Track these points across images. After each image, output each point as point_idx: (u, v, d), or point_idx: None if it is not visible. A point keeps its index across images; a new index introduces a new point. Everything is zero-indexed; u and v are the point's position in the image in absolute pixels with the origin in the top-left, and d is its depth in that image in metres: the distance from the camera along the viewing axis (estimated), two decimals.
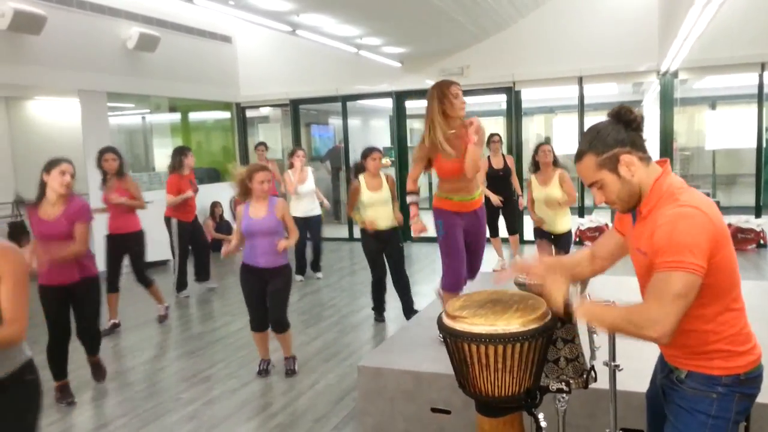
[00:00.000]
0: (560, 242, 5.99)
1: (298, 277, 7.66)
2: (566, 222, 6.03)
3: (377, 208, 5.59)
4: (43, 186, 4.08)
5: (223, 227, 10.06)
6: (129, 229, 5.82)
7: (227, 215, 10.20)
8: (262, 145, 8.66)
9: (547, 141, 5.98)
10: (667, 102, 8.98)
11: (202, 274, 7.41)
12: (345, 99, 10.82)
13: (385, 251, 5.69)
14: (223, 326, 6.02)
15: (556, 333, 2.21)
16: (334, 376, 4.58)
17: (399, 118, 10.65)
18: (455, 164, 3.78)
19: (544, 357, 2.09)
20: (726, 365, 1.82)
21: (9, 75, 7.18)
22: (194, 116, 11.65)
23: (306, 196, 7.47)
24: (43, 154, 8.63)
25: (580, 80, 9.29)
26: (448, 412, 3.36)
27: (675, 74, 8.77)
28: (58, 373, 4.29)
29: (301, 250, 7.69)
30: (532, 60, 9.36)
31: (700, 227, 1.69)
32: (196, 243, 7.20)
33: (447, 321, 2.05)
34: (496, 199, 7.27)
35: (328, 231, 11.15)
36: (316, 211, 7.62)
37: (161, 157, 10.07)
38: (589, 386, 2.32)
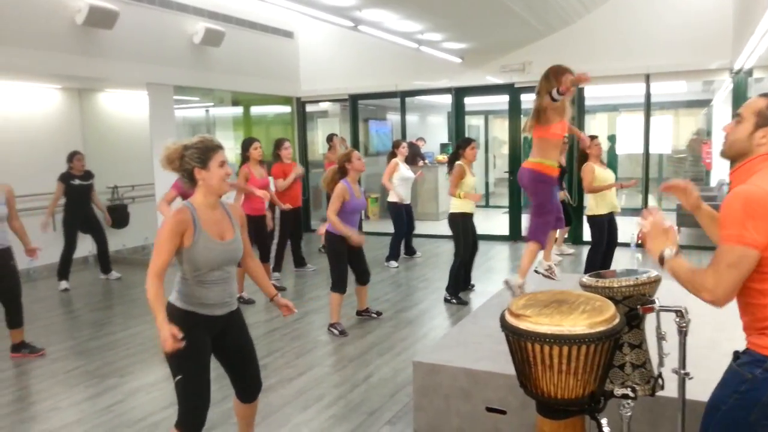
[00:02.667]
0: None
1: (393, 264, 8.29)
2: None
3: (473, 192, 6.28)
4: None
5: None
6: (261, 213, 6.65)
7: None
8: (337, 137, 9.16)
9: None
10: (739, 101, 8.58)
11: (299, 261, 8.07)
12: (404, 95, 10.83)
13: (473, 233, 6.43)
14: (278, 317, 6.12)
15: (623, 337, 2.16)
16: (389, 370, 4.60)
17: (458, 114, 10.57)
18: (564, 125, 4.51)
19: (610, 361, 2.04)
20: None
21: (83, 68, 7.49)
22: (256, 110, 11.88)
23: (405, 185, 8.21)
24: (112, 145, 9.05)
25: (647, 78, 9.00)
26: (503, 412, 3.32)
27: (749, 72, 8.38)
28: None
29: (400, 237, 8.38)
30: (597, 56, 9.12)
31: (759, 203, 1.75)
32: (296, 230, 7.82)
33: (510, 319, 2.03)
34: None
35: (384, 226, 11.21)
36: (409, 199, 8.40)
37: (230, 150, 10.32)
38: (656, 394, 2.25)
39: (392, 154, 8.34)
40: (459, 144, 6.39)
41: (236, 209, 2.91)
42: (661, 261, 1.97)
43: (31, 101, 8.18)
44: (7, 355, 5.02)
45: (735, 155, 1.98)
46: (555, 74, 4.31)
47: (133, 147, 8.99)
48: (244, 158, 6.67)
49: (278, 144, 7.44)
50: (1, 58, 6.64)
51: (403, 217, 8.28)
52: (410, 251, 8.85)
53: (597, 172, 6.27)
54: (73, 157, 7.37)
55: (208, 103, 10.66)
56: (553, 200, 4.68)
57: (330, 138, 9.32)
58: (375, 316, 5.87)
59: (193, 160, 2.64)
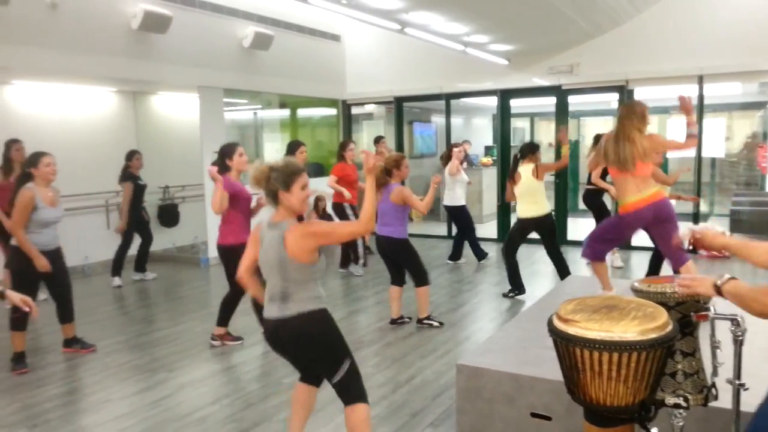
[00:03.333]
0: None
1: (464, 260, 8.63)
2: None
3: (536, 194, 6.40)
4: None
5: (327, 220, 10.33)
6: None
7: (329, 209, 10.46)
8: (384, 140, 9.29)
9: None
10: None
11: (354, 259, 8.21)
12: (449, 97, 10.79)
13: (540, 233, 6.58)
14: None
15: (675, 345, 2.11)
16: (431, 372, 4.59)
17: (503, 116, 10.48)
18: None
19: (662, 369, 1.99)
20: None
21: (138, 71, 7.73)
22: (302, 112, 12.03)
23: (460, 187, 8.29)
24: (164, 145, 9.30)
25: (701, 79, 8.73)
26: (548, 418, 3.28)
27: None
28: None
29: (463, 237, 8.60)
30: (648, 57, 8.91)
31: None
32: None
33: (558, 323, 2.00)
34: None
35: (429, 228, 11.21)
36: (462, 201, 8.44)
37: (271, 151, 10.48)
38: (709, 404, 2.19)
39: (448, 156, 8.37)
40: (525, 148, 6.61)
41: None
42: (718, 291, 1.93)
43: (88, 104, 8.48)
44: (60, 348, 5.20)
45: None
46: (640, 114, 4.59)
47: (184, 148, 9.22)
48: None
49: (343, 145, 7.95)
50: (63, 63, 6.91)
51: (461, 218, 8.47)
52: (481, 255, 8.75)
53: None
54: (132, 156, 7.52)
55: (256, 106, 10.84)
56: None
57: (377, 140, 9.37)
58: (408, 320, 5.85)
59: (277, 182, 2.79)
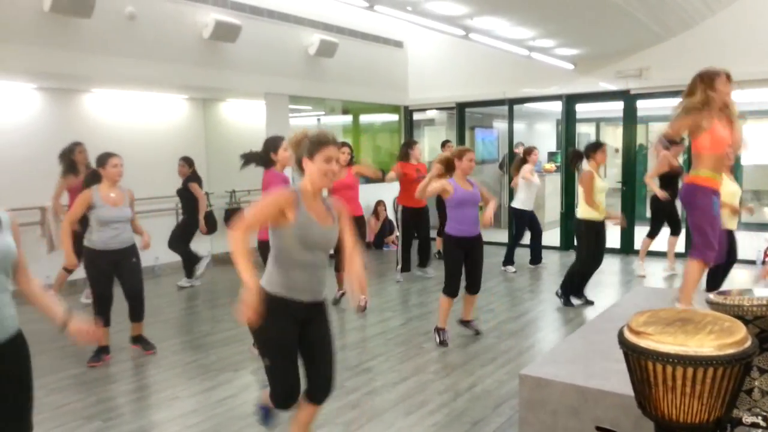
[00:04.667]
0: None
1: (510, 269, 8.51)
2: None
3: (604, 196, 6.26)
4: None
5: (386, 226, 10.39)
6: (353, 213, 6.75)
7: (390, 214, 10.52)
8: (450, 143, 9.45)
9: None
10: None
11: (424, 261, 8.21)
12: (512, 102, 10.67)
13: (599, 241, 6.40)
14: (382, 321, 6.22)
15: (753, 360, 2.02)
16: (492, 381, 4.54)
17: (568, 122, 10.27)
18: (729, 135, 4.04)
19: (739, 386, 1.91)
20: None
21: (209, 79, 8.00)
22: (364, 118, 12.15)
23: (531, 192, 8.30)
24: (231, 151, 9.53)
25: None
26: None
27: None
28: None
29: (516, 241, 8.63)
30: (722, 60, 8.32)
31: None
32: (420, 230, 7.94)
33: (630, 336, 1.95)
34: (663, 194, 7.40)
35: (489, 235, 11.07)
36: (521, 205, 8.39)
37: None
38: None
39: (523, 160, 8.32)
40: (588, 147, 6.47)
41: (337, 204, 2.99)
42: None
43: (161, 110, 8.84)
44: (130, 347, 5.39)
45: None
46: (705, 79, 4.09)
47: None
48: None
49: (409, 144, 8.10)
50: (139, 72, 7.24)
51: (524, 223, 8.45)
52: (536, 260, 8.79)
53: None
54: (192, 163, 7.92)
55: (320, 112, 11.04)
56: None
57: (444, 144, 9.39)
58: (474, 333, 5.63)
59: (305, 149, 2.76)
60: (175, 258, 8.05)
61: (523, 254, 8.80)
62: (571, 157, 6.88)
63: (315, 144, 2.74)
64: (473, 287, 5.42)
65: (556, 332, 5.77)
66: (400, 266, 8.02)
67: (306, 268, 2.80)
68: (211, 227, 8.56)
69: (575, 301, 6.61)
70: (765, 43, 8.25)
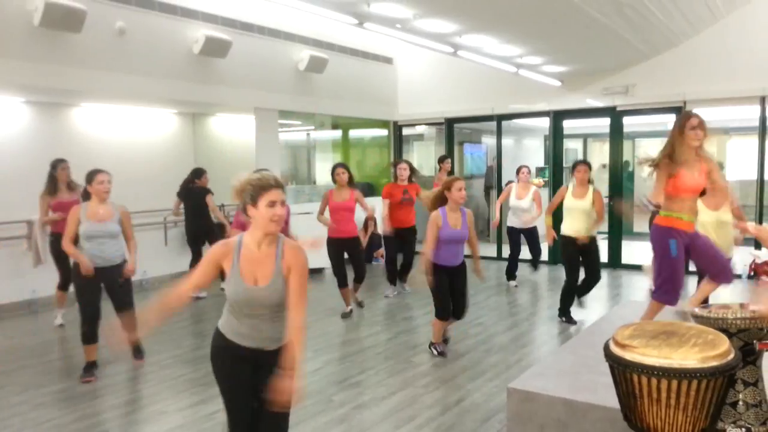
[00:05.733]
0: None
1: (512, 283, 8.54)
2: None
3: (575, 214, 6.26)
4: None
5: (375, 240, 10.39)
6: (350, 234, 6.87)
7: (380, 229, 10.53)
8: (448, 160, 9.16)
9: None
10: None
11: (404, 277, 8.12)
12: (500, 118, 10.77)
13: (583, 255, 6.38)
14: (371, 336, 6.22)
15: (737, 373, 2.05)
16: (480, 395, 4.55)
17: (555, 137, 10.38)
18: (697, 182, 4.14)
19: (723, 398, 1.94)
20: None
21: (199, 94, 8.03)
22: (354, 133, 12.20)
23: (520, 209, 8.29)
24: (220, 165, 9.58)
25: (763, 100, 8.47)
26: None
27: None
28: None
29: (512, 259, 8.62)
30: (706, 78, 8.70)
31: None
32: (405, 249, 7.92)
33: (615, 349, 1.98)
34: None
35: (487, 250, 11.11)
36: (532, 223, 8.38)
37: (322, 171, 10.65)
38: None
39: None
40: (573, 166, 6.57)
41: (294, 254, 2.73)
42: None
43: (150, 125, 8.85)
44: (124, 359, 5.32)
45: None
46: (678, 121, 4.18)
47: (240, 167, 9.36)
48: (333, 180, 6.92)
49: (394, 163, 8.09)
50: (129, 86, 7.25)
51: (515, 240, 8.50)
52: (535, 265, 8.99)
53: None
54: (202, 174, 8.06)
55: (309, 127, 11.07)
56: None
57: (442, 159, 9.20)
58: (440, 350, 5.51)
59: (247, 196, 2.68)
60: (164, 272, 8.02)
61: (521, 268, 8.85)
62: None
63: (257, 189, 2.66)
64: (458, 313, 5.44)
65: (545, 346, 5.80)
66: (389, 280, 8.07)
67: (247, 318, 2.76)
68: (201, 242, 8.54)
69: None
70: (745, 61, 8.42)
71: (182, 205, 8.09)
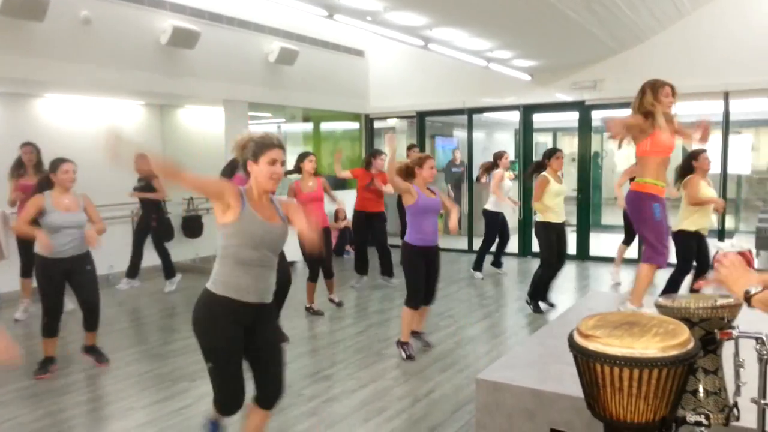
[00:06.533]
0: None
1: (479, 275, 8.59)
2: None
3: (561, 200, 6.44)
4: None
5: (346, 233, 10.39)
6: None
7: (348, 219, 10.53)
8: (416, 148, 9.34)
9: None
10: None
11: (387, 270, 8.05)
12: (471, 111, 10.83)
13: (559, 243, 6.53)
14: (342, 329, 6.21)
15: (697, 362, 2.10)
16: (450, 386, 4.58)
17: (525, 131, 10.48)
18: (671, 141, 4.27)
19: (683, 386, 1.98)
20: None
21: (166, 85, 7.89)
22: (325, 126, 12.15)
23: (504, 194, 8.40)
24: (189, 158, 9.44)
25: (726, 95, 8.66)
26: None
27: None
28: None
29: (488, 246, 8.63)
30: (673, 73, 8.71)
31: None
32: (376, 236, 7.82)
33: (579, 339, 2.01)
34: (622, 203, 7.42)
35: (449, 242, 11.19)
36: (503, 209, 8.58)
37: (293, 164, 10.56)
38: (730, 424, 2.17)
39: (494, 165, 8.41)
40: (545, 154, 6.62)
41: (288, 204, 2.98)
42: (748, 299, 1.83)
43: (116, 116, 8.66)
44: (82, 356, 5.21)
45: None
46: (652, 88, 4.25)
47: (209, 160, 9.30)
48: (298, 170, 6.64)
49: (374, 153, 7.93)
50: (94, 77, 7.08)
51: (496, 226, 8.51)
52: (498, 264, 8.93)
53: (703, 190, 6.03)
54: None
55: (280, 119, 10.98)
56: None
57: (409, 148, 9.28)
58: (423, 345, 5.47)
59: (249, 151, 2.75)
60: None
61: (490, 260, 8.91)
62: (531, 170, 6.92)
63: (259, 146, 2.73)
64: (429, 297, 5.30)
65: (514, 337, 5.86)
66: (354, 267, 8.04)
67: (252, 268, 2.76)
68: (168, 235, 8.42)
69: (544, 306, 6.71)
70: (709, 57, 8.59)
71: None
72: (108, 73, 7.18)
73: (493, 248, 8.76)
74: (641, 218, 4.38)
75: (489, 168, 8.51)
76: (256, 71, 9.10)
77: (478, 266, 8.58)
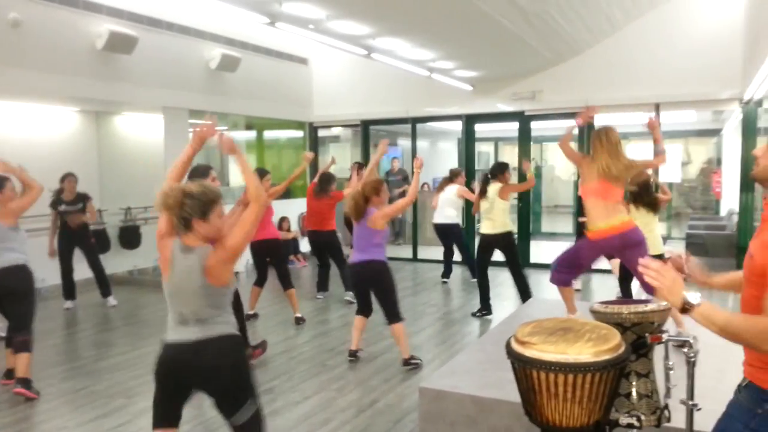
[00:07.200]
0: None
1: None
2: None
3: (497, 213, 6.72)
4: None
5: (290, 243, 10.29)
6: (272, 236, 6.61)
7: (294, 230, 10.44)
8: (358, 164, 8.91)
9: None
10: (749, 131, 8.59)
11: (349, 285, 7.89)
12: (415, 121, 10.92)
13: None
14: (286, 339, 6.13)
15: (629, 366, 2.16)
16: (394, 395, 4.58)
17: (468, 140, 10.65)
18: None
19: (615, 390, 2.04)
20: None
21: (102, 91, 7.65)
22: (269, 134, 12.02)
23: (442, 205, 8.49)
24: (126, 166, 9.18)
25: (657, 107, 9.04)
26: None
27: (759, 103, 8.39)
28: None
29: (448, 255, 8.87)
30: (607, 85, 9.19)
31: None
32: (333, 255, 7.67)
33: (516, 346, 2.04)
34: None
35: (395, 251, 11.24)
36: (452, 220, 8.57)
37: (236, 173, 10.41)
38: (662, 425, 2.24)
39: (449, 180, 8.52)
40: (494, 168, 6.95)
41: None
42: (685, 309, 1.74)
43: (49, 123, 8.32)
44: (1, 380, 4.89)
45: (763, 181, 1.91)
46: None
47: (147, 169, 9.10)
48: None
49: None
50: (25, 82, 6.80)
51: (454, 235, 8.70)
52: (447, 274, 9.08)
53: None
54: (64, 179, 7.24)
55: (222, 127, 10.78)
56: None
57: (358, 167, 9.10)
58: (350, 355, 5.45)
59: (193, 210, 2.52)
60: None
61: (435, 269, 8.96)
62: (482, 185, 6.93)
63: (207, 203, 2.55)
64: (370, 310, 5.51)
65: (457, 345, 5.91)
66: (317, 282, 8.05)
67: None
68: (104, 246, 8.13)
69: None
70: (641, 70, 8.97)
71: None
72: (39, 77, 6.91)
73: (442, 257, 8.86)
74: (645, 247, 4.61)
75: (443, 186, 8.59)
76: (196, 78, 8.93)
77: (474, 273, 8.42)
